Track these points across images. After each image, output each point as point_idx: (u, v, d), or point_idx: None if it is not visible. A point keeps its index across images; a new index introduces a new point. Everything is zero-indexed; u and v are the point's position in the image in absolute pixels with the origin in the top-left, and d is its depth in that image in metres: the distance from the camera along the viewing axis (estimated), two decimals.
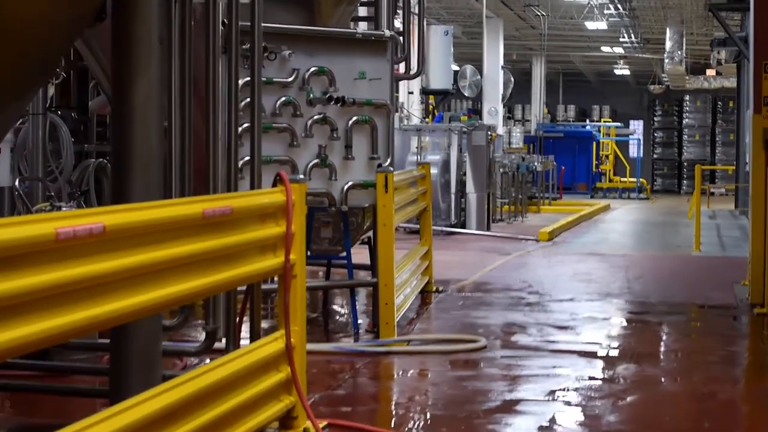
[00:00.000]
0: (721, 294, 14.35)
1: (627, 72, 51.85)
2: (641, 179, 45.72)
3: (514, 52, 46.88)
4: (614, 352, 10.42)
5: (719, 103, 52.48)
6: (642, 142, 54.72)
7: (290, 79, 10.84)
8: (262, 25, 10.77)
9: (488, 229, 24.69)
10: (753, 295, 13.19)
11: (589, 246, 21.70)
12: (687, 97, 52.76)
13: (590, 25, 38.59)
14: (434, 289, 14.17)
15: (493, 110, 37.74)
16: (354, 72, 11.21)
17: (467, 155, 24.69)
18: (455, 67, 37.52)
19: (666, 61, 38.62)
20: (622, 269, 17.06)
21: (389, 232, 10.68)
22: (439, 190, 24.00)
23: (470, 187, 24.53)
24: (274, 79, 10.78)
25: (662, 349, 10.55)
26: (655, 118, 55.49)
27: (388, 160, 11.38)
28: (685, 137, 53.62)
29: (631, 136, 50.50)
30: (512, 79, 39.44)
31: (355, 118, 11.13)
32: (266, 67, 10.66)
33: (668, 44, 37.76)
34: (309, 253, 11.47)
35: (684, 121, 53.70)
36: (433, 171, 23.85)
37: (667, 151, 54.59)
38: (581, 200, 38.71)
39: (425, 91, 29.20)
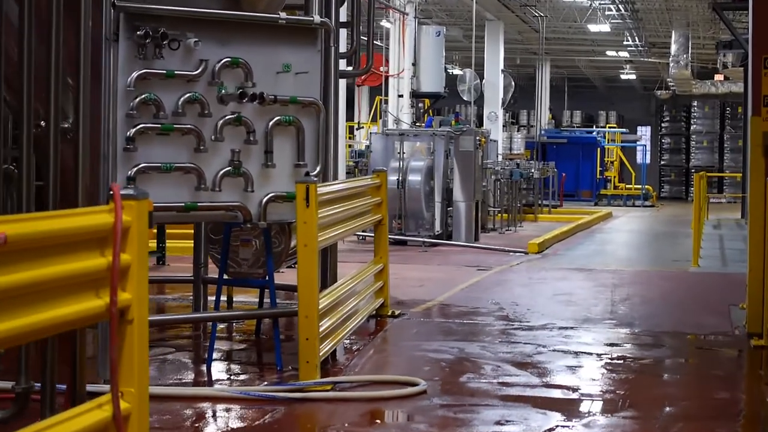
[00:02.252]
0: (716, 319, 12.41)
1: (633, 77, 49.81)
2: (647, 186, 43.71)
3: (518, 56, 44.95)
4: (578, 402, 8.43)
5: (727, 108, 50.41)
6: (650, 148, 52.73)
7: (197, 72, 8.96)
8: (164, 7, 8.94)
9: (476, 240, 22.75)
10: (750, 322, 11.24)
11: (579, 259, 19.73)
12: (695, 103, 50.69)
13: (593, 27, 36.63)
14: (390, 312, 12.24)
15: (493, 115, 35.86)
16: (276, 64, 9.32)
17: (455, 161, 22.71)
18: (458, 72, 35.68)
19: (671, 65, 36.64)
20: (609, 288, 15.10)
21: (311, 255, 8.74)
22: (423, 199, 22.13)
23: (458, 195, 22.58)
24: (177, 72, 8.87)
25: (638, 398, 8.56)
26: (663, 124, 53.44)
27: (318, 168, 9.45)
28: (692, 143, 51.54)
29: (637, 142, 48.37)
30: (513, 83, 37.51)
31: (276, 119, 9.24)
32: (168, 58, 8.81)
33: (673, 48, 35.78)
34: (226, 276, 9.57)
35: (692, 127, 51.61)
36: (417, 178, 22.15)
37: (674, 157, 52.53)
38: (584, 208, 36.72)
39: (415, 95, 27.27)
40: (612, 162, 45.15)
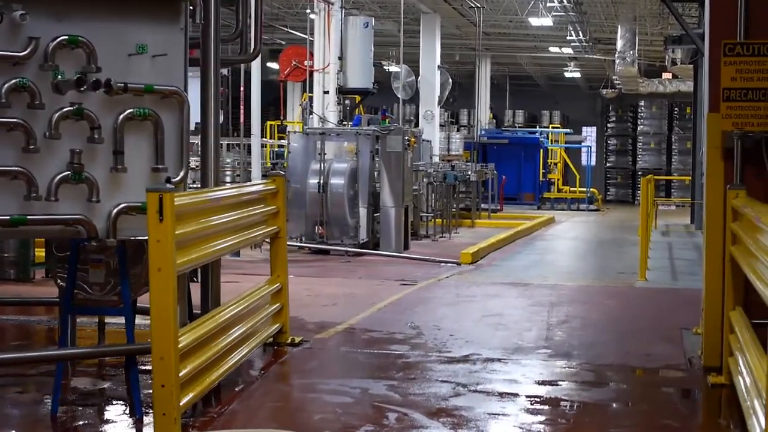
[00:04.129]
0: (666, 347, 10.92)
1: (578, 75, 48.39)
2: (593, 189, 42.35)
3: (457, 52, 43.42)
4: None
5: (675, 108, 49.17)
6: (595, 149, 51.43)
7: (25, 53, 7.30)
8: None
9: (406, 248, 21.15)
10: (707, 354, 9.75)
11: (516, 271, 18.18)
12: (642, 103, 49.40)
13: (534, 21, 35.13)
14: (289, 340, 10.60)
15: (429, 114, 34.25)
16: (128, 45, 7.72)
17: (382, 163, 21.10)
18: (396, 69, 34.14)
19: (617, 61, 35.21)
20: (546, 307, 13.54)
21: (166, 281, 7.07)
22: (347, 204, 20.56)
23: (385, 199, 20.97)
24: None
25: None
26: (609, 125, 52.14)
27: (181, 172, 7.79)
28: (639, 145, 50.25)
29: (582, 143, 46.99)
30: (450, 80, 35.95)
31: (128, 112, 7.62)
32: None
33: (619, 43, 34.36)
34: (73, 304, 7.88)
35: (639, 128, 50.34)
36: (340, 181, 20.51)
37: (621, 159, 51.22)
38: (525, 212, 35.28)
39: (342, 91, 25.56)
40: (555, 164, 43.73)
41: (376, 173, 21.25)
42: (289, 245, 20.63)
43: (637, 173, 48.63)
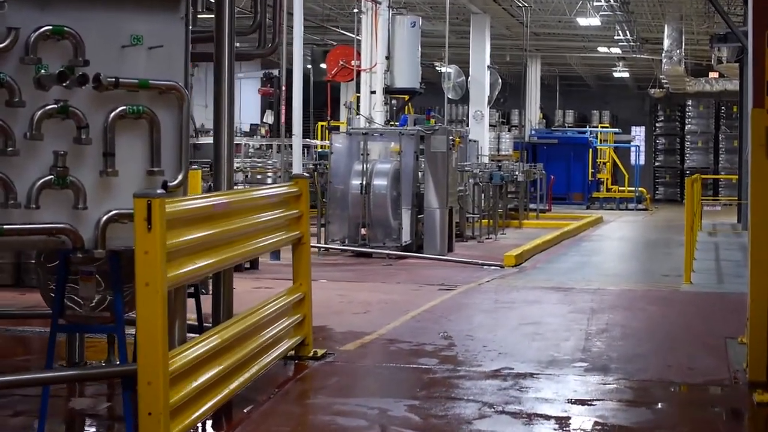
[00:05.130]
0: (710, 359, 9.87)
1: (627, 75, 47.09)
2: (641, 188, 41.06)
3: (507, 53, 42.29)
4: None
5: (722, 107, 47.76)
6: (644, 149, 50.12)
7: (3, 45, 6.36)
8: None
9: (450, 250, 20.12)
10: (752, 367, 8.70)
11: (559, 274, 17.12)
12: (689, 102, 48.01)
13: (582, 21, 33.97)
14: (311, 353, 9.63)
15: (479, 114, 33.20)
16: (121, 36, 6.78)
17: (426, 164, 20.08)
18: (449, 70, 33.12)
19: (664, 61, 33.95)
20: (586, 315, 12.50)
21: (154, 298, 6.13)
22: (390, 205, 19.58)
23: (429, 200, 19.93)
24: None
25: None
26: (657, 124, 50.77)
27: (180, 176, 6.84)
28: (687, 144, 48.85)
29: (631, 143, 45.68)
30: (500, 80, 34.87)
31: (120, 110, 6.66)
32: None
33: (666, 42, 33.12)
34: (62, 321, 6.96)
35: (686, 127, 48.93)
36: (383, 182, 19.53)
37: (669, 158, 49.88)
38: (574, 212, 34.10)
39: (389, 91, 24.62)
40: (605, 163, 42.49)
41: (420, 174, 20.24)
42: (331, 248, 19.83)
43: (685, 172, 47.24)
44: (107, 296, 7.17)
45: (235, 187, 19.57)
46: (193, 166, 20.98)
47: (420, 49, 25.29)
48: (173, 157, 6.93)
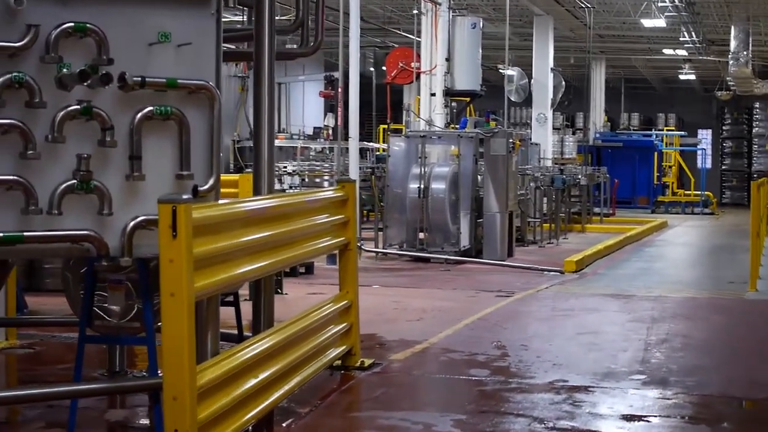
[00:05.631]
0: None
1: (693, 77, 46.18)
2: (707, 192, 40.17)
3: (571, 55, 41.58)
4: None
5: None
6: (710, 152, 49.17)
7: (23, 43, 6.01)
8: None
9: (510, 255, 19.61)
10: None
11: (620, 281, 16.58)
12: (756, 104, 47.01)
13: (647, 22, 33.25)
14: (359, 362, 9.23)
15: (542, 117, 32.58)
16: (147, 33, 6.40)
17: (485, 167, 19.61)
18: (512, 72, 32.62)
19: (731, 62, 33.12)
20: (646, 324, 11.98)
21: (180, 307, 5.75)
22: (448, 209, 19.14)
23: (488, 204, 19.44)
24: None
25: None
26: (724, 127, 49.79)
27: (211, 180, 6.46)
28: (755, 147, 47.85)
29: (697, 146, 44.79)
30: (563, 82, 34.24)
31: (147, 110, 6.28)
32: None
33: (733, 44, 32.31)
34: (90, 332, 6.61)
35: (753, 130, 47.93)
36: (441, 186, 19.10)
37: (736, 162, 48.92)
38: (638, 216, 33.35)
39: (449, 93, 24.16)
40: (670, 167, 41.66)
41: (479, 177, 19.77)
42: (389, 253, 19.42)
43: (753, 176, 46.25)
44: (137, 305, 6.79)
45: (292, 191, 19.36)
46: (247, 170, 20.71)
47: (481, 50, 24.79)
48: (204, 160, 6.55)
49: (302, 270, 16.21)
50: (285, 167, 20.70)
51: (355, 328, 9.34)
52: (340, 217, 9.10)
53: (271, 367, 7.36)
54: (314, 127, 40.90)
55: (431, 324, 11.86)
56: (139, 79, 6.24)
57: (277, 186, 23.19)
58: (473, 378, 9.05)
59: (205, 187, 6.54)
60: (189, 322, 5.82)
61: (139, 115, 6.29)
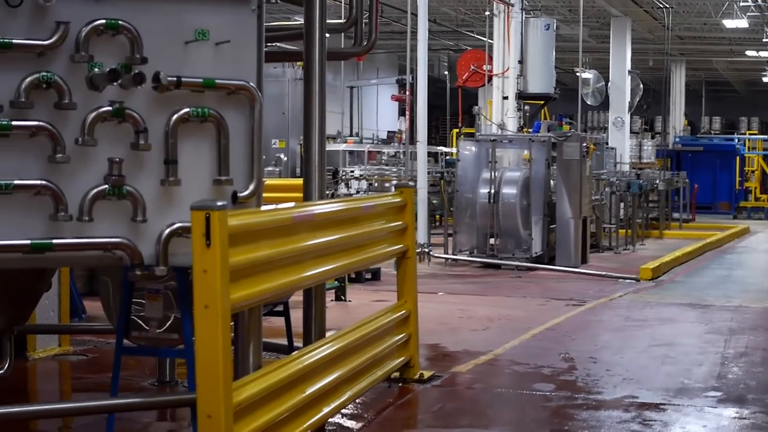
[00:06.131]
0: None
1: None
2: None
3: (650, 58, 40.86)
4: None
5: None
6: None
7: (52, 41, 5.73)
8: None
9: (584, 262, 19.11)
10: None
11: (698, 289, 16.02)
12: None
13: (728, 23, 32.49)
14: (417, 375, 8.85)
15: (619, 120, 31.96)
16: (184, 30, 6.07)
17: (558, 172, 19.15)
18: (588, 75, 32.10)
19: None
20: (724, 336, 11.47)
21: (214, 320, 5.43)
22: (519, 215, 18.67)
23: (561, 210, 18.96)
24: (18, 42, 5.68)
25: None
26: None
27: (252, 186, 6.13)
28: None
29: None
30: (641, 85, 33.56)
31: (183, 112, 5.96)
32: (2, 19, 5.61)
33: None
34: (127, 342, 6.32)
35: None
36: (512, 191, 18.67)
37: None
38: (719, 222, 32.55)
39: (522, 96, 23.72)
40: (753, 171, 40.74)
41: (552, 182, 19.30)
42: (459, 259, 19.02)
43: None
44: (176, 316, 6.49)
45: (358, 195, 19.07)
46: None
47: (554, 53, 24.31)
48: (244, 164, 6.23)
49: (368, 276, 15.88)
50: (352, 171, 20.38)
51: (413, 338, 8.97)
52: (397, 223, 8.76)
53: (320, 381, 7.02)
54: (388, 131, 40.65)
55: (497, 334, 11.47)
56: (175, 79, 5.94)
57: (343, 190, 23.07)
58: (537, 393, 8.63)
59: (245, 192, 6.21)
60: (224, 336, 5.49)
61: (175, 116, 5.99)
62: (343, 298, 13.65)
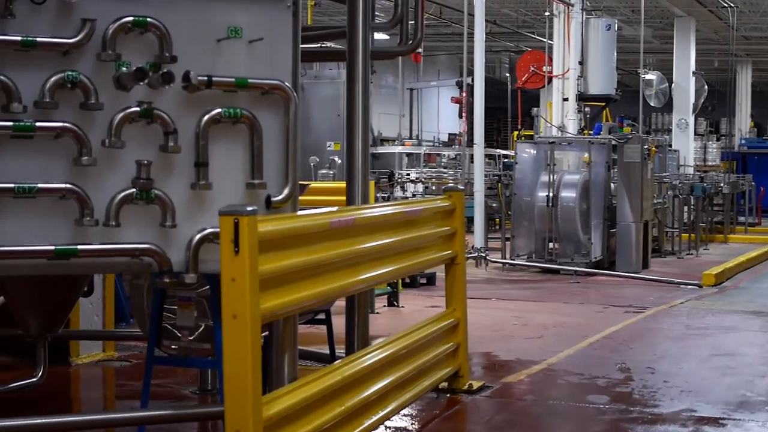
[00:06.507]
0: None
1: None
2: None
3: (715, 58, 40.21)
4: None
5: None
6: None
7: (77, 39, 5.51)
8: None
9: (645, 267, 18.71)
10: None
11: (764, 296, 15.61)
12: None
13: None
14: (466, 386, 8.56)
15: (683, 122, 31.41)
16: (216, 28, 5.85)
17: (618, 174, 18.75)
18: (651, 76, 31.64)
19: None
20: None
21: (243, 330, 5.18)
22: (579, 218, 18.29)
23: (622, 214, 18.57)
24: (42, 40, 5.46)
25: None
26: None
27: (287, 190, 5.87)
28: None
29: None
30: (705, 87, 32.99)
31: (215, 113, 5.72)
32: (25, 17, 5.46)
33: None
34: (158, 351, 6.10)
35: None
36: (571, 194, 18.31)
37: None
38: None
39: (582, 97, 23.31)
40: None
41: (612, 185, 18.90)
42: (516, 264, 18.69)
43: None
44: (207, 324, 6.25)
45: (413, 198, 18.77)
46: None
47: (615, 53, 23.88)
48: (278, 167, 5.97)
49: (423, 281, 15.60)
50: (408, 174, 20.11)
51: (462, 347, 8.69)
52: (446, 228, 8.48)
53: (361, 392, 6.76)
54: (449, 134, 40.35)
55: (551, 342, 11.14)
56: (205, 78, 5.70)
57: (399, 193, 22.80)
58: (590, 406, 8.31)
59: (280, 197, 5.96)
60: (253, 348, 5.25)
61: (206, 117, 5.75)
62: (395, 303, 13.38)
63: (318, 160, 17.02)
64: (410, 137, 34.52)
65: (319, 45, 10.47)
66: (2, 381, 8.07)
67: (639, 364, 9.99)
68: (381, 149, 24.53)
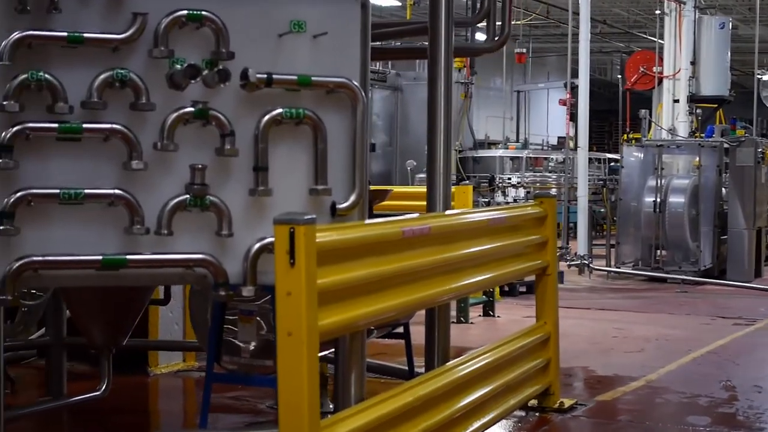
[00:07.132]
0: None
1: None
2: None
3: None
4: None
5: None
6: None
7: (128, 35, 5.17)
8: None
9: (758, 276, 17.95)
10: None
11: None
12: None
13: None
14: (557, 404, 8.07)
15: None
16: (277, 23, 5.46)
17: (730, 179, 18.03)
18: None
19: None
20: None
21: (299, 349, 4.79)
22: (687, 225, 17.61)
23: (734, 220, 17.84)
24: (90, 36, 5.13)
25: None
26: None
27: (353, 196, 5.47)
28: None
29: None
30: None
31: (275, 113, 5.33)
32: (71, 11, 5.14)
33: None
34: (218, 366, 5.74)
35: None
36: (680, 199, 17.65)
37: None
38: None
39: (694, 99, 22.54)
40: None
41: (724, 190, 18.19)
42: (621, 272, 18.08)
43: None
44: (270, 340, 5.88)
45: (513, 204, 18.28)
46: (464, 181, 19.76)
47: (730, 53, 23.06)
48: (344, 172, 5.57)
49: (522, 289, 15.08)
50: (509, 178, 19.61)
51: (553, 363, 8.21)
52: (535, 237, 8.00)
53: (440, 413, 6.32)
54: (558, 137, 39.64)
55: (653, 357, 10.58)
56: (265, 76, 5.31)
57: (500, 198, 22.32)
58: (689, 428, 7.75)
59: (346, 204, 5.55)
60: (310, 367, 4.84)
61: (266, 118, 5.36)
62: (491, 313, 12.92)
63: (415, 164, 16.62)
64: (517, 140, 33.95)
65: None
66: (74, 391, 7.84)
67: (745, 381, 9.40)
68: (482, 153, 24.01)
